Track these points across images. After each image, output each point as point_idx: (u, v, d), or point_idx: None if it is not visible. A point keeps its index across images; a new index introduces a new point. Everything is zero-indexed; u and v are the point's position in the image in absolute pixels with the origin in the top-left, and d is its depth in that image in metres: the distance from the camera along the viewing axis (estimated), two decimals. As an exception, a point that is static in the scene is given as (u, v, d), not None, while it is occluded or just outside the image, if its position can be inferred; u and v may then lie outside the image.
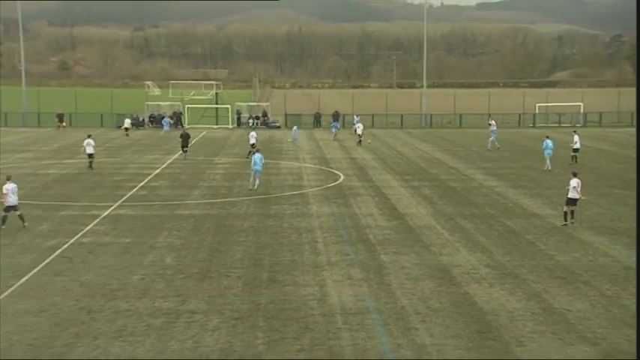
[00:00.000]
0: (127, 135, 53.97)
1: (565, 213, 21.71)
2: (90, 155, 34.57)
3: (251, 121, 65.19)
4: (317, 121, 64.86)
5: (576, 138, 37.31)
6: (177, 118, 63.43)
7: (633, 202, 25.75)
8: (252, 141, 39.58)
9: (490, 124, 53.25)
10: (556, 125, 65.44)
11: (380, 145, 48.12)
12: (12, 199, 20.83)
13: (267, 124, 64.17)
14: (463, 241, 19.86)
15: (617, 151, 43.84)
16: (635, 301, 14.52)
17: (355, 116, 61.38)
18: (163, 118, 59.57)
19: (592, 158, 39.88)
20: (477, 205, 25.58)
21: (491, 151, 43.40)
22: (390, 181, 31.61)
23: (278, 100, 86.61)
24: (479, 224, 22.15)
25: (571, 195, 21.43)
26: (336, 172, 34.59)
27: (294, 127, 51.53)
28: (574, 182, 21.35)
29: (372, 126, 64.98)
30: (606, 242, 19.72)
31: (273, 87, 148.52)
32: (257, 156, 28.64)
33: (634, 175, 32.43)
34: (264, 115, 65.65)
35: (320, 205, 25.49)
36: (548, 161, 34.82)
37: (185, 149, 40.91)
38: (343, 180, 31.82)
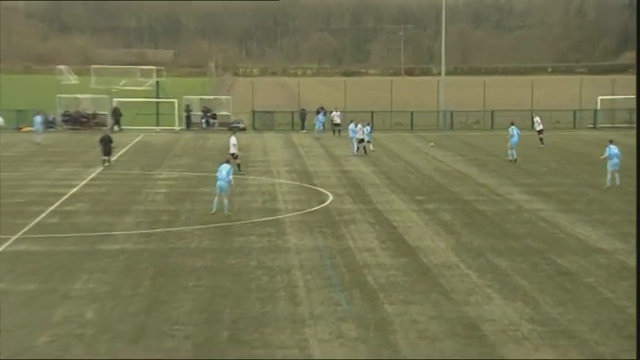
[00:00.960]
0: None
1: None
2: None
3: (204, 120, 65.31)
4: (301, 120, 65.09)
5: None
6: (116, 117, 63.31)
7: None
8: (233, 150, 39.28)
9: (535, 122, 53.42)
10: (626, 126, 66.04)
11: (382, 154, 48.36)
12: None
13: (225, 125, 64.33)
14: (497, 286, 19.97)
15: None
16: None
17: (334, 111, 61.42)
18: (37, 114, 56.47)
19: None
20: (515, 235, 25.72)
21: (511, 161, 43.19)
22: (397, 202, 31.73)
23: (243, 91, 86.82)
24: (518, 262, 22.28)
25: None
26: (322, 190, 34.67)
27: (366, 126, 51.88)
28: None
29: (373, 127, 65.19)
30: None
31: (237, 74, 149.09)
32: (223, 167, 28.63)
33: None
34: (207, 111, 65.63)
35: (300, 235, 25.52)
36: (610, 176, 34.91)
37: (107, 158, 40.84)
38: (332, 201, 31.89)
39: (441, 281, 20.37)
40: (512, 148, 43.90)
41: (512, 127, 44.35)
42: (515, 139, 43.89)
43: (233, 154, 39.09)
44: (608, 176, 35.05)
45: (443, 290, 19.60)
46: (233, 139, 39.49)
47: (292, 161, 45.16)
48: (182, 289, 19.63)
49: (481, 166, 42.72)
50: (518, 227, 27.00)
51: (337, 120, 60.48)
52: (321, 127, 59.15)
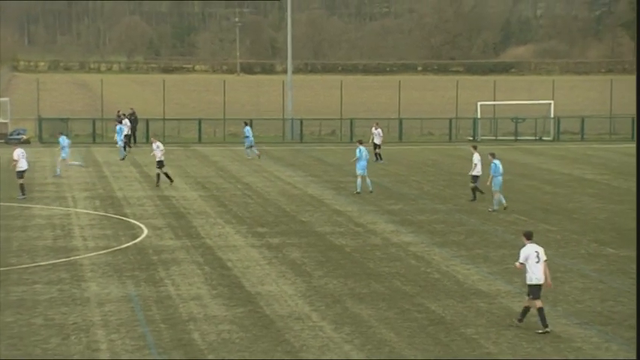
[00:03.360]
0: None
1: (525, 309, 21.23)
2: None
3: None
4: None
5: (476, 158, 38.81)
6: None
7: (635, 267, 27.19)
8: (23, 165, 38.99)
9: (374, 135, 53.74)
10: (511, 139, 68.58)
11: (213, 174, 48.24)
12: None
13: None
14: (357, 341, 20.21)
15: (610, 181, 46.60)
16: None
17: (123, 116, 60.22)
18: None
19: (569, 194, 42.04)
20: (380, 276, 26.15)
21: (361, 193, 40.90)
22: (232, 236, 31.74)
23: (25, 91, 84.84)
24: (384, 310, 22.66)
25: (531, 278, 20.83)
26: (134, 222, 34.27)
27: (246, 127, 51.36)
28: (529, 251, 20.93)
29: (199, 139, 65.11)
30: (595, 338, 20.75)
31: (16, 68, 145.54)
32: None
33: (636, 223, 34.49)
34: None
35: (104, 282, 25.15)
36: (497, 196, 36.53)
37: None
38: (147, 236, 31.58)
39: (288, 336, 20.46)
40: (360, 176, 41.50)
41: (361, 147, 41.85)
42: (362, 163, 41.34)
43: (20, 172, 38.72)
44: (495, 197, 36.55)
45: (290, 348, 19.69)
46: (20, 152, 39.37)
47: (94, 184, 44.37)
48: (-57, 356, 18.94)
49: (338, 189, 43.27)
50: (384, 266, 27.47)
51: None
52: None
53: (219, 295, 23.84)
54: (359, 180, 41.51)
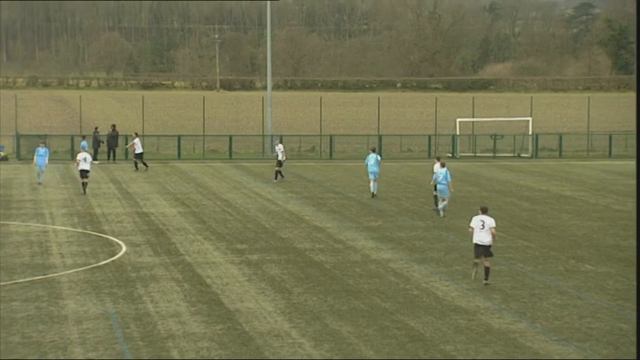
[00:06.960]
0: None
1: (475, 264, 24.65)
2: None
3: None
4: (94, 147, 63.38)
5: (440, 168, 40.51)
6: None
7: (613, 284, 27.50)
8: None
9: (278, 151, 52.77)
10: (489, 155, 68.88)
11: (192, 190, 48.18)
12: None
13: None
14: (337, 358, 20.23)
15: (588, 198, 46.80)
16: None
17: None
18: None
19: (548, 211, 42.21)
20: (360, 293, 26.17)
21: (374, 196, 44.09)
22: (211, 253, 31.70)
23: (3, 108, 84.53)
24: (363, 327, 22.69)
25: (475, 239, 25.50)
26: (112, 239, 34.17)
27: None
28: (476, 220, 25.85)
29: (178, 156, 65.06)
30: (573, 355, 20.86)
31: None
32: None
33: (614, 240, 34.73)
34: None
35: (82, 299, 25.06)
36: (442, 203, 39.56)
37: None
38: (126, 253, 31.50)
39: (267, 354, 20.45)
40: (373, 180, 45.40)
41: (372, 154, 45.57)
42: (371, 168, 45.19)
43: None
44: (440, 203, 39.69)
45: (269, 365, 19.67)
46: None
47: (72, 201, 44.23)
48: None
49: (318, 205, 43.29)
50: (364, 283, 27.49)
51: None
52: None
53: (198, 312, 23.81)
54: (371, 183, 45.30)
